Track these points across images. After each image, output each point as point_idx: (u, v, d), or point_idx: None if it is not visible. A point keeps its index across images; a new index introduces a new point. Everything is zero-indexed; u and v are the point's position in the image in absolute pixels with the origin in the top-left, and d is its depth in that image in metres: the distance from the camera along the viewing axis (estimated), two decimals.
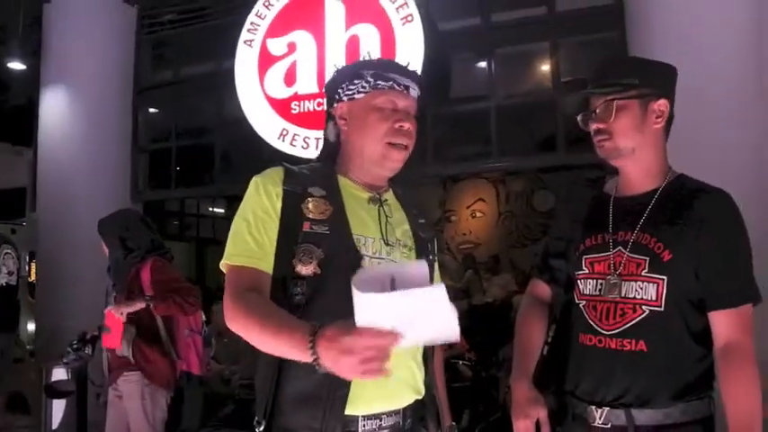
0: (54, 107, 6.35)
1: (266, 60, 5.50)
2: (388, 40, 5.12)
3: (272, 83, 5.48)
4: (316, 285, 1.44)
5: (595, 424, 1.65)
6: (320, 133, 5.52)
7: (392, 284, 1.27)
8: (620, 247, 1.69)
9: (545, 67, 5.73)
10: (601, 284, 1.69)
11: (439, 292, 1.19)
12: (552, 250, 1.90)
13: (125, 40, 6.47)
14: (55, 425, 4.71)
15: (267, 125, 5.47)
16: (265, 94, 5.49)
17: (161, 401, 3.28)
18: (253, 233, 1.48)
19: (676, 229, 1.64)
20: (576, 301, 1.76)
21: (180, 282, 3.37)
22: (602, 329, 1.67)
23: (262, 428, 1.46)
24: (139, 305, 3.22)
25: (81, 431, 4.86)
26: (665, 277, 1.61)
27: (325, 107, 1.68)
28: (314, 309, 1.43)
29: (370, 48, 5.18)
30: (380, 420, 1.48)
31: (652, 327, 1.61)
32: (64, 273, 6.02)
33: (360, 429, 1.45)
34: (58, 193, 6.21)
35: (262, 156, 5.90)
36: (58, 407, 4.73)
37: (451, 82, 5.59)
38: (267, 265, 1.48)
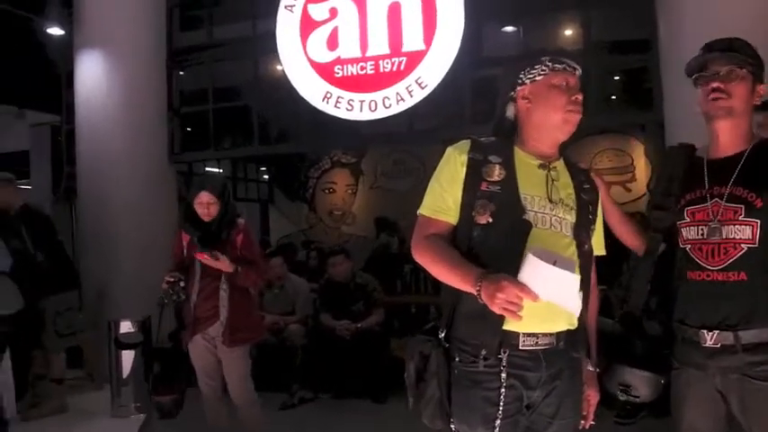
0: (89, 73, 6.47)
1: (308, 25, 5.70)
2: (429, 6, 5.35)
3: (314, 47, 5.69)
4: (489, 230, 1.84)
5: (706, 345, 2.00)
6: (363, 96, 5.72)
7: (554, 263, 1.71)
8: (715, 199, 2.05)
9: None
10: (702, 230, 2.05)
11: (576, 280, 1.72)
12: (653, 203, 2.24)
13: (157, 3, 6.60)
14: (125, 374, 5.04)
15: (311, 88, 5.70)
16: (308, 58, 5.70)
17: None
18: (440, 192, 1.92)
19: (765, 181, 1.99)
20: (681, 245, 2.11)
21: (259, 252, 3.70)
22: (709, 266, 2.02)
23: (443, 335, 1.89)
24: (226, 268, 3.45)
25: (148, 379, 5.19)
26: (758, 220, 1.97)
27: (504, 94, 2.00)
28: (487, 246, 1.83)
29: (412, 14, 5.41)
30: (537, 338, 1.85)
31: (750, 260, 1.97)
32: (106, 234, 6.24)
33: (520, 344, 1.83)
34: (97, 157, 6.38)
35: (300, 117, 6.14)
36: (127, 358, 5.07)
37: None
38: (450, 217, 1.90)
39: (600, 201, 2.06)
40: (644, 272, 2.23)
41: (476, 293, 1.70)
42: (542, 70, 1.91)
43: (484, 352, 1.82)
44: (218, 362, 3.60)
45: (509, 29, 5.96)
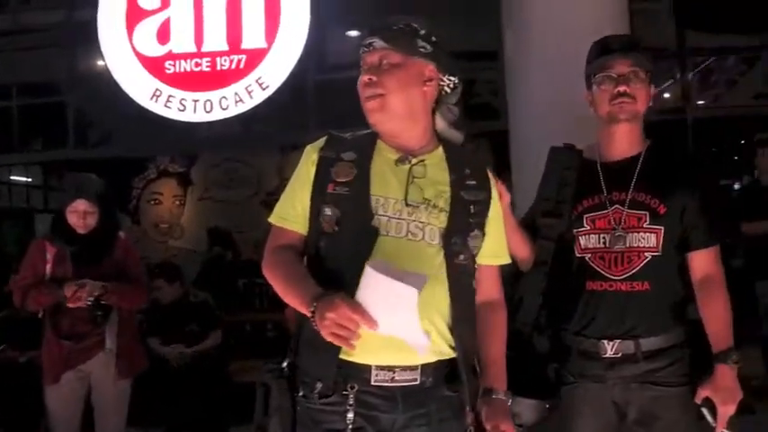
0: None
1: (135, 14, 5.14)
2: (272, 1, 5.01)
3: (142, 39, 5.14)
4: (333, 241, 1.60)
5: (607, 355, 1.91)
6: (198, 95, 5.27)
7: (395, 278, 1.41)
8: (616, 205, 1.95)
9: None
10: (604, 238, 1.94)
11: (410, 292, 1.37)
12: (542, 209, 2.08)
13: None
14: None
15: (137, 85, 5.16)
16: (135, 51, 5.15)
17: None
18: (291, 197, 1.69)
19: (666, 186, 1.94)
20: (579, 255, 1.98)
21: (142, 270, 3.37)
22: (612, 276, 1.92)
23: (285, 364, 1.65)
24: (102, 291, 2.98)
25: None
26: (662, 227, 1.91)
27: None
28: (330, 261, 1.60)
29: (253, 9, 5.04)
30: (394, 373, 1.56)
31: (654, 269, 1.91)
32: None
33: (372, 379, 1.55)
34: None
35: (125, 117, 5.55)
36: None
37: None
38: (298, 225, 1.66)
39: (494, 201, 1.75)
40: (536, 284, 2.07)
41: (310, 316, 1.46)
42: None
43: (319, 386, 1.57)
44: (82, 403, 3.14)
45: (355, 32, 5.77)
